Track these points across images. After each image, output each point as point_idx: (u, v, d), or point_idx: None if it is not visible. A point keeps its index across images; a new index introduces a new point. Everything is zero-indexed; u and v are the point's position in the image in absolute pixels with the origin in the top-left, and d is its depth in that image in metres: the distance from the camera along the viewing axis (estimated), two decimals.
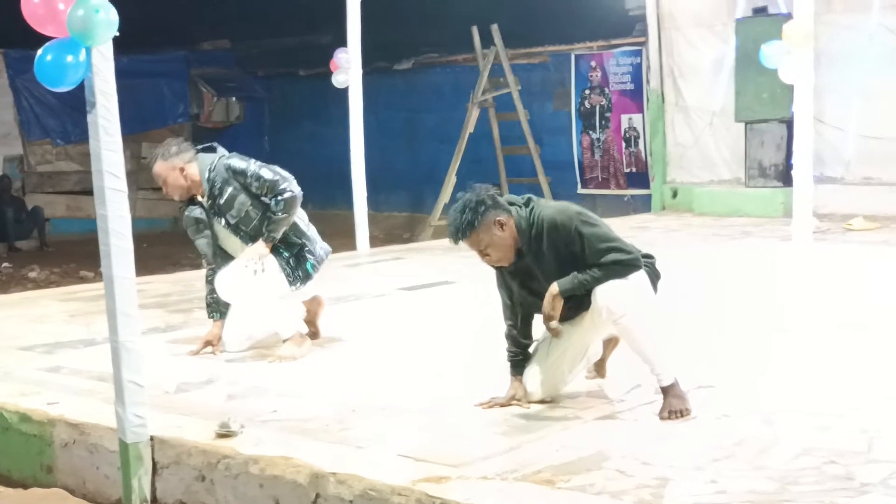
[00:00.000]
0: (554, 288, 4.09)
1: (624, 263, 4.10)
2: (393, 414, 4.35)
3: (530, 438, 3.91)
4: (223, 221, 5.51)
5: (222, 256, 5.59)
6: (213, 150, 5.63)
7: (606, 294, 4.06)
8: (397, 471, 3.56)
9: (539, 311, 4.19)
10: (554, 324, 4.12)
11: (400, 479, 3.47)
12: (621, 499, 3.25)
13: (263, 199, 5.44)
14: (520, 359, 4.39)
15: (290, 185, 5.45)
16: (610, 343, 4.58)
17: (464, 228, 4.07)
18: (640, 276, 4.18)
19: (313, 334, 5.83)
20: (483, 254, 4.16)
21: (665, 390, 4.16)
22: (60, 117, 16.75)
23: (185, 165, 5.48)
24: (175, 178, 5.48)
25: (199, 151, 5.60)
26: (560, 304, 4.10)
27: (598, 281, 4.07)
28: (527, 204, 4.19)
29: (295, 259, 5.56)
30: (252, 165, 5.49)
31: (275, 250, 5.50)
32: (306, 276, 5.60)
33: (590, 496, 3.29)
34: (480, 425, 4.14)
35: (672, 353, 4.28)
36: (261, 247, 5.43)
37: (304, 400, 4.64)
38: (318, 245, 5.71)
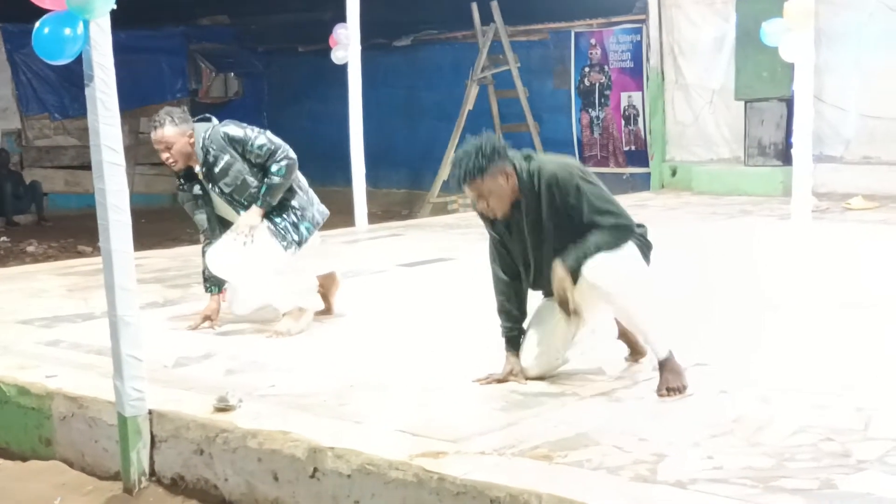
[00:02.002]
0: (559, 269, 4.05)
1: (622, 228, 4.11)
2: (391, 389, 4.36)
3: (528, 414, 3.92)
4: (217, 190, 5.50)
5: (222, 228, 5.59)
6: (207, 120, 5.60)
7: (596, 271, 4.02)
8: (395, 445, 3.57)
9: (525, 267, 4.23)
10: (573, 304, 4.11)
11: (398, 453, 3.48)
12: (618, 474, 3.26)
13: (266, 165, 5.43)
14: (514, 334, 4.38)
15: (288, 152, 5.46)
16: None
17: (473, 172, 4.02)
18: (631, 249, 4.15)
19: (327, 310, 5.87)
20: (481, 200, 4.10)
21: (661, 365, 4.16)
22: (58, 92, 16.70)
23: (191, 132, 5.43)
24: (183, 144, 5.40)
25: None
26: (570, 283, 4.05)
27: (599, 248, 4.04)
28: (527, 159, 4.17)
29: (288, 223, 5.54)
30: (250, 133, 5.46)
31: (267, 216, 5.48)
32: (301, 240, 5.57)
33: (587, 471, 3.30)
34: (478, 401, 4.15)
35: (667, 328, 4.27)
36: (253, 215, 5.42)
37: (303, 375, 4.65)
38: (315, 208, 5.70)
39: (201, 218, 5.60)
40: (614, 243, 4.08)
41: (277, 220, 5.51)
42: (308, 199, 5.67)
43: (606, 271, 4.02)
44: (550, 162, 4.18)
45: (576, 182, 4.08)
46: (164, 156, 5.45)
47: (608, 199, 4.14)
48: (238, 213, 5.50)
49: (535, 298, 4.46)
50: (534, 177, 4.11)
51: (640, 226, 4.30)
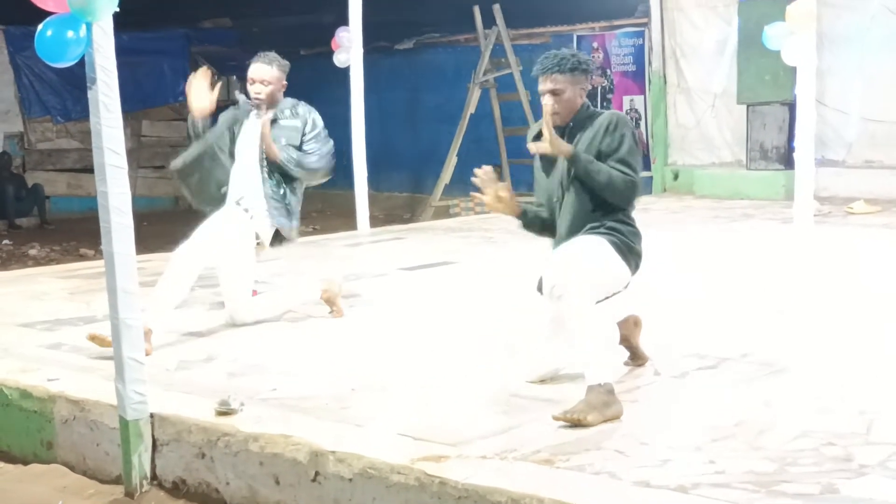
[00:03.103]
0: (570, 148, 4.16)
1: (632, 186, 4.17)
2: (392, 393, 4.36)
3: (529, 418, 3.92)
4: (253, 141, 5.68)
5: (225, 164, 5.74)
6: None
7: (554, 268, 3.99)
8: (396, 449, 3.57)
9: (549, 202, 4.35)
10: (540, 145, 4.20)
11: (399, 457, 3.48)
12: (620, 479, 3.25)
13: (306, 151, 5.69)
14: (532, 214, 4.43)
15: (328, 164, 5.74)
16: (626, 323, 4.49)
17: (564, 66, 4.22)
18: (606, 259, 4.10)
19: (336, 313, 5.93)
20: (553, 95, 4.23)
21: (588, 389, 3.87)
22: (61, 95, 16.73)
23: (285, 83, 5.78)
24: (276, 90, 5.71)
25: None
26: (562, 150, 4.16)
27: (601, 178, 4.12)
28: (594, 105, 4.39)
29: (278, 202, 5.67)
30: (314, 128, 5.74)
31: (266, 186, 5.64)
32: (258, 219, 5.66)
33: (588, 476, 3.29)
34: (480, 405, 4.14)
35: (610, 359, 4.06)
36: (267, 132, 5.61)
37: (304, 378, 4.65)
38: (293, 214, 5.79)
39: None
40: (620, 190, 4.15)
41: (271, 192, 5.64)
42: (296, 206, 5.79)
43: (564, 271, 3.96)
44: (613, 111, 4.39)
45: (624, 132, 4.19)
46: (257, 89, 5.68)
47: (637, 160, 4.23)
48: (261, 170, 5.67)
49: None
50: (594, 115, 4.28)
51: (635, 231, 4.26)
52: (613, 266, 4.17)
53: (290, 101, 5.80)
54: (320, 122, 5.80)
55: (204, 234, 5.50)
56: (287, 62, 5.85)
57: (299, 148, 5.69)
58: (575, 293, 3.92)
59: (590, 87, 4.35)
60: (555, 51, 4.34)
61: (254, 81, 5.70)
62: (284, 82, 5.78)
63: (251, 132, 5.69)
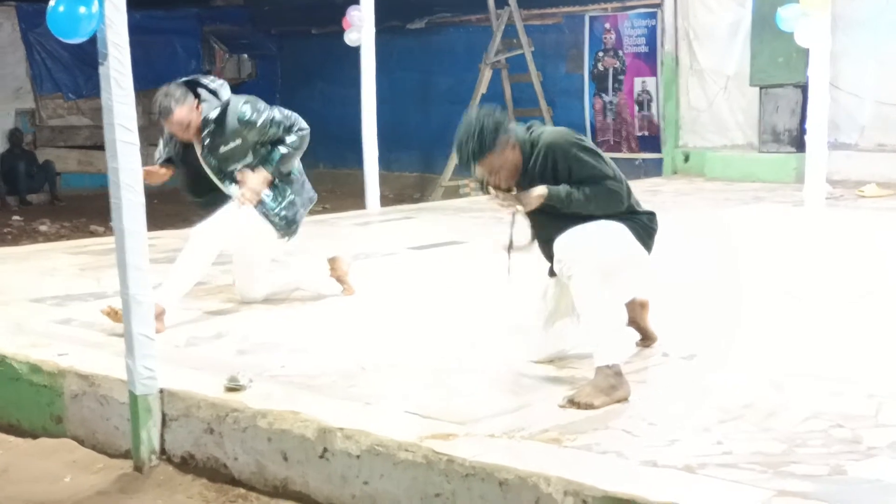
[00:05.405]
0: (542, 189, 4.00)
1: (615, 193, 4.01)
2: (401, 371, 4.37)
3: (538, 397, 3.92)
4: (211, 160, 5.42)
5: (200, 185, 5.53)
6: (197, 84, 5.43)
7: (561, 247, 3.95)
8: (405, 427, 3.58)
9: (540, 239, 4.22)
10: (501, 198, 4.08)
11: (407, 435, 3.49)
12: (627, 458, 3.26)
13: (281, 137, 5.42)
14: None
15: (302, 122, 5.51)
16: (633, 305, 4.47)
17: (480, 151, 3.97)
18: (612, 237, 4.04)
19: (347, 291, 5.93)
20: (492, 175, 4.07)
21: (596, 371, 3.88)
22: (72, 72, 16.72)
23: (197, 102, 5.34)
24: (196, 118, 5.32)
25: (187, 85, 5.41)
26: (534, 201, 4.01)
27: (587, 201, 3.97)
28: (528, 130, 4.16)
29: (283, 213, 5.51)
30: (264, 115, 5.38)
31: (262, 202, 5.44)
32: (294, 230, 5.58)
33: (596, 455, 3.30)
34: (488, 384, 4.15)
35: (620, 339, 4.07)
36: (261, 179, 5.37)
37: (313, 356, 4.66)
38: (306, 195, 5.68)
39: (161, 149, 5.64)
40: (605, 202, 4.01)
41: (273, 206, 5.47)
42: (301, 187, 5.63)
43: (570, 251, 3.92)
44: (548, 131, 4.15)
45: (573, 152, 4.04)
46: (185, 135, 5.39)
47: (604, 169, 4.04)
48: (222, 182, 5.45)
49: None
50: (534, 146, 4.08)
51: (649, 213, 4.22)
52: (626, 247, 4.11)
53: (210, 119, 5.34)
54: (256, 109, 5.38)
55: (225, 217, 5.39)
56: (175, 85, 5.33)
57: (259, 142, 5.40)
58: (583, 274, 3.90)
59: (513, 136, 4.04)
60: (462, 134, 3.98)
61: (177, 132, 5.38)
62: (195, 102, 5.31)
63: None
